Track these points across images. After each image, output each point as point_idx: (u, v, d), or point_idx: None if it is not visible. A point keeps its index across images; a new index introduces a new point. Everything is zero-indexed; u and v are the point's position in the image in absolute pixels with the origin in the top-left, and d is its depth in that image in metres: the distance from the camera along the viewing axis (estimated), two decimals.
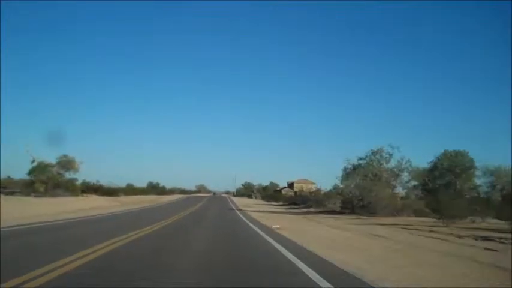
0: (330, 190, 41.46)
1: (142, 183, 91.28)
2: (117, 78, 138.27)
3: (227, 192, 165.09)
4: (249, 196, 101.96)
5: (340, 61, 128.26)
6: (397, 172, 33.39)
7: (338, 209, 36.77)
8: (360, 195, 32.03)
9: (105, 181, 62.43)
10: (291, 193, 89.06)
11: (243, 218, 23.66)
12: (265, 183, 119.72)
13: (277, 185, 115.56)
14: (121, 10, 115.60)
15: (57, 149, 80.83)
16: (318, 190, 56.14)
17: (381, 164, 33.86)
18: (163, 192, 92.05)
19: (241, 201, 63.57)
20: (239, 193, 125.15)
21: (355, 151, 67.21)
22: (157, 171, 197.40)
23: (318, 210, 38.99)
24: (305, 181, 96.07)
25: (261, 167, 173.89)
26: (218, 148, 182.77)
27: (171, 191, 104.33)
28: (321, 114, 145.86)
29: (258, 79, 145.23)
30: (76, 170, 44.06)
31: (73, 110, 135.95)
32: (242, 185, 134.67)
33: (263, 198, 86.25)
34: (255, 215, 27.37)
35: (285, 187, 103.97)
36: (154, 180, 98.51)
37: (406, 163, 33.15)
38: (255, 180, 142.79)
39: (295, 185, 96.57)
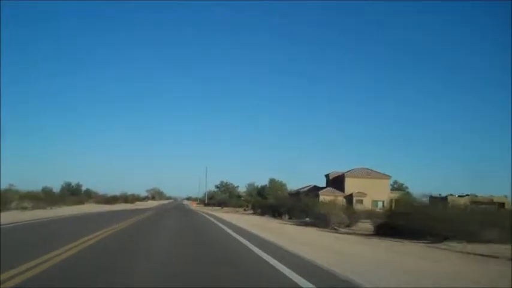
0: None
1: None
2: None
3: (188, 199, 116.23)
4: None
5: None
6: None
7: None
8: None
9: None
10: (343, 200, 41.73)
11: None
12: (260, 182, 71.97)
13: (282, 184, 67.86)
14: None
15: None
16: None
17: None
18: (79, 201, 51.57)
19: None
20: (213, 200, 75.87)
21: None
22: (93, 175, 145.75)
23: None
24: (368, 172, 48.96)
25: (241, 161, 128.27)
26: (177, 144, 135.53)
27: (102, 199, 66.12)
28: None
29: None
30: None
31: None
32: (217, 186, 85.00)
33: None
34: None
35: (318, 188, 55.58)
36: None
37: None
38: (234, 180, 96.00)
39: (347, 180, 49.01)
